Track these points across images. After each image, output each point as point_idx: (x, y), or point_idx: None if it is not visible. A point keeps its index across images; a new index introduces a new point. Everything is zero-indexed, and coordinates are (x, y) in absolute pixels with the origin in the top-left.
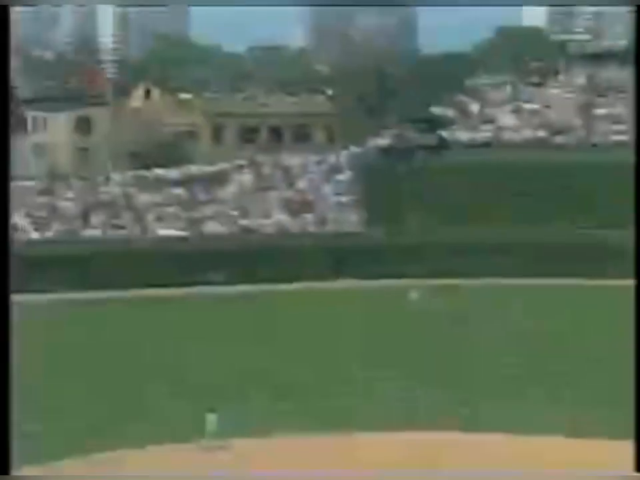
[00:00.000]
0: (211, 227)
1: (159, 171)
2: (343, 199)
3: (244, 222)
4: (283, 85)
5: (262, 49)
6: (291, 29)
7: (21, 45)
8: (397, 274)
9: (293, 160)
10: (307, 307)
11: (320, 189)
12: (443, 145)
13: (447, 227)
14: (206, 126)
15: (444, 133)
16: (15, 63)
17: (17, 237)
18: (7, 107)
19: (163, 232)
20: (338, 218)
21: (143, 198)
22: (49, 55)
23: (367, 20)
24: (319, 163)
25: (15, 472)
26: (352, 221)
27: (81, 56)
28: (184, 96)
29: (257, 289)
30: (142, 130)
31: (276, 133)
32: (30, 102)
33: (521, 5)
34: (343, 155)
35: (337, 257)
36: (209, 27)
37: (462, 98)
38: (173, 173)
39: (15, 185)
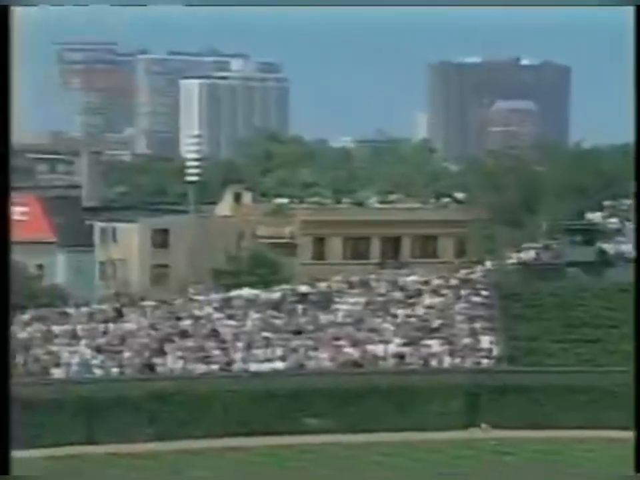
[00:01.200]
0: (312, 359)
1: (250, 292)
2: (477, 325)
3: (352, 353)
4: (401, 186)
5: (375, 142)
6: (410, 117)
7: (89, 142)
8: (542, 422)
9: (413, 277)
10: (427, 463)
11: (448, 314)
12: (604, 260)
13: (612, 367)
14: (306, 237)
15: (605, 246)
16: (81, 164)
17: (77, 374)
18: (7, 111)
19: (254, 365)
20: (470, 349)
21: (231, 324)
22: (124, 156)
23: (506, 104)
24: (446, 281)
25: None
26: (487, 353)
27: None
28: (280, 201)
29: (366, 439)
30: (230, 242)
31: (392, 245)
32: (97, 210)
33: (520, 5)
34: (477, 272)
35: (469, 398)
36: (312, 119)
37: (629, 202)
38: (266, 295)
39: (78, 311)
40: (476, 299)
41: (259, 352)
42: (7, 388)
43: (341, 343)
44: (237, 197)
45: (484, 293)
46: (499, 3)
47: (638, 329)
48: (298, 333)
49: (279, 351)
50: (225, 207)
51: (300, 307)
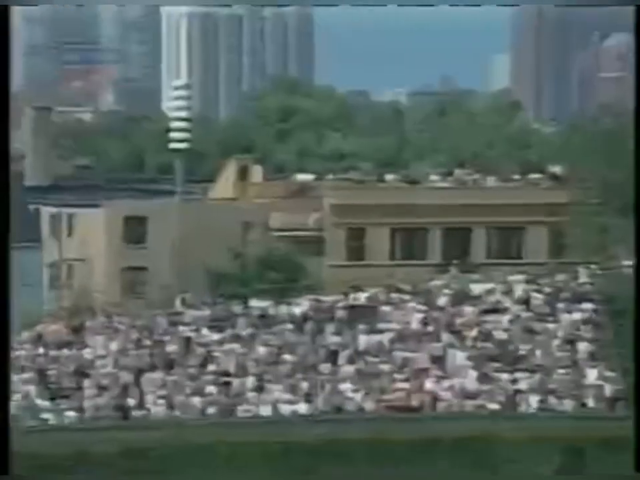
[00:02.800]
0: (348, 399)
1: (261, 305)
2: (581, 347)
3: (402, 388)
4: (472, 156)
5: (437, 95)
6: (486, 61)
7: (33, 95)
8: None
9: (490, 285)
10: None
11: (539, 331)
12: None
13: None
14: (339, 228)
15: None
16: (22, 126)
17: (18, 421)
18: (7, 112)
19: (266, 408)
20: (571, 386)
21: (235, 349)
22: (83, 115)
23: (621, 38)
24: (537, 287)
25: None
26: (595, 391)
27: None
28: (303, 177)
29: None
30: (233, 236)
31: (460, 238)
32: (45, 191)
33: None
34: (581, 278)
35: (569, 453)
36: (348, 63)
37: None
38: (284, 308)
39: (19, 333)
40: (578, 315)
41: (273, 389)
42: (8, 383)
43: (389, 375)
44: (243, 172)
45: (590, 306)
46: None
47: (638, 330)
48: (328, 362)
49: (302, 387)
50: (225, 186)
51: (331, 325)
